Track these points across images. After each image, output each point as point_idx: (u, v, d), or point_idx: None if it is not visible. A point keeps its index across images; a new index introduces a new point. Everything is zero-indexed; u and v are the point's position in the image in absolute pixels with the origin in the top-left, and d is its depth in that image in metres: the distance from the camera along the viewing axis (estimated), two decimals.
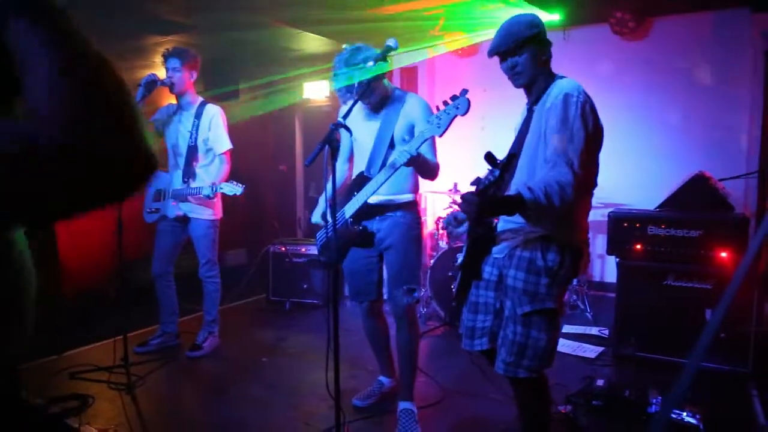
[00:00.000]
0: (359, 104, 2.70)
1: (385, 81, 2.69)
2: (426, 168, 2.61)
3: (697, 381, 2.83)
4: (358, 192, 2.65)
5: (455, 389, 3.19)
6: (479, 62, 5.58)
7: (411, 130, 2.65)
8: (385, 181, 2.51)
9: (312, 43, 5.93)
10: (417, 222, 2.83)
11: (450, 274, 4.16)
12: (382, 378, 3.13)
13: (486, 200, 1.75)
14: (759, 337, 3.21)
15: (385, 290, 2.94)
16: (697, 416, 2.62)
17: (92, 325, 3.54)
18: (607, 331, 4.04)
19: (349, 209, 2.68)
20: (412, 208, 2.82)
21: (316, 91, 6.53)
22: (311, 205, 6.67)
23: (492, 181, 1.76)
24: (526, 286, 1.97)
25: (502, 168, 1.74)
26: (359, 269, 2.85)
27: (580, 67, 3.87)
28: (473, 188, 1.81)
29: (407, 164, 2.40)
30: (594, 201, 2.23)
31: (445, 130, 2.24)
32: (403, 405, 2.81)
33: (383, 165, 2.62)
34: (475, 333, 2.18)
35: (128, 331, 3.28)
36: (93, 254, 4.86)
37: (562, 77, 2.06)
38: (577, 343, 3.90)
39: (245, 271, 5.18)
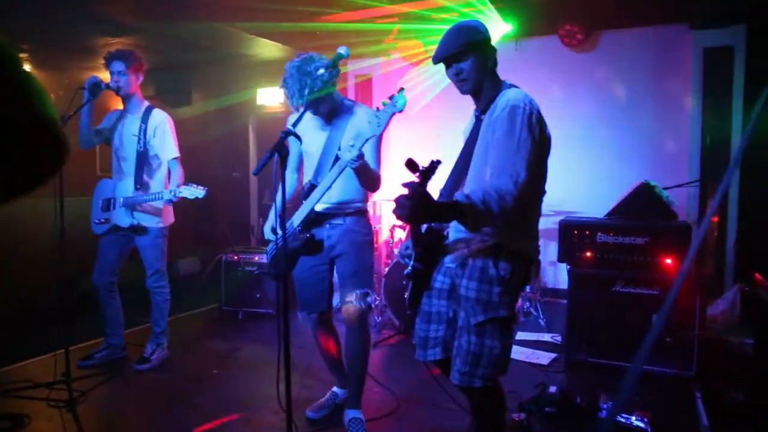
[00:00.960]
0: (309, 114, 2.69)
1: (335, 92, 2.67)
2: (368, 175, 2.58)
3: (644, 384, 2.90)
4: (305, 200, 2.64)
5: (410, 399, 3.17)
6: (433, 70, 5.63)
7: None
8: (331, 184, 2.51)
9: (266, 48, 5.87)
10: (368, 228, 2.83)
11: (403, 282, 4.15)
12: (336, 389, 3.09)
13: (419, 204, 1.71)
14: (702, 341, 3.33)
15: (336, 298, 2.90)
16: (645, 420, 2.69)
17: (31, 339, 3.36)
18: (559, 338, 4.11)
19: (297, 217, 2.68)
20: (363, 216, 2.81)
21: (270, 97, 6.45)
22: (265, 212, 6.57)
23: (417, 184, 1.72)
24: (479, 295, 1.96)
25: (422, 174, 1.72)
26: (308, 279, 2.81)
27: (530, 76, 3.95)
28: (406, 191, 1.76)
29: (353, 165, 2.38)
30: (545, 209, 2.26)
31: (385, 127, 2.28)
32: (351, 414, 2.78)
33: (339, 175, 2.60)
34: (428, 343, 2.16)
35: (70, 345, 3.13)
36: (32, 263, 4.62)
37: (510, 86, 2.06)
38: (530, 349, 3.95)
39: (198, 280, 5.04)
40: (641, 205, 3.66)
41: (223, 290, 4.91)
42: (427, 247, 2.12)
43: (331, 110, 2.68)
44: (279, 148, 2.11)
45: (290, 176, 2.95)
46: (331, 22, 4.86)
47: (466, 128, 2.24)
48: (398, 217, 1.75)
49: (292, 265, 2.78)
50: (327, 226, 2.75)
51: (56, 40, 5.37)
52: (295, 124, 2.35)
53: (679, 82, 4.99)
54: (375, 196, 2.96)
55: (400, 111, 2.21)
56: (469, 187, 2.02)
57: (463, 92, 2.09)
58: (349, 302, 2.70)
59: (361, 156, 2.38)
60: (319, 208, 2.68)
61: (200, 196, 3.43)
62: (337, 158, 2.60)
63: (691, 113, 4.90)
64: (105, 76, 3.57)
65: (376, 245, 3.12)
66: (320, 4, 4.57)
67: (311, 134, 2.74)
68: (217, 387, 3.41)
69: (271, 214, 2.83)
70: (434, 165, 1.74)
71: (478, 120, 2.10)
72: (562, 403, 2.92)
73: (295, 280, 2.85)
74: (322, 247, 2.74)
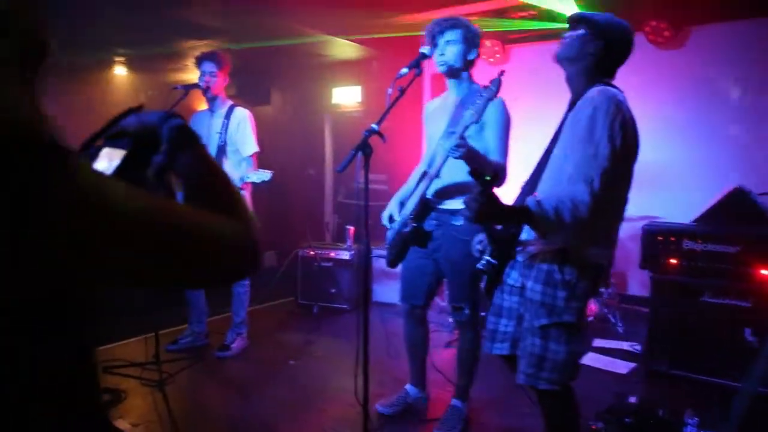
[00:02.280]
0: (443, 97, 2.72)
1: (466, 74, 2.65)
2: (477, 164, 2.36)
3: (752, 408, 2.74)
4: (418, 188, 2.64)
5: (482, 399, 3.15)
6: (510, 69, 5.54)
7: (478, 130, 2.53)
8: (436, 173, 2.46)
9: (342, 48, 5.98)
10: (476, 233, 2.69)
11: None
12: (409, 387, 3.06)
13: (485, 208, 1.71)
14: None
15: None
16: None
17: (126, 322, 3.61)
18: (639, 347, 3.96)
19: (409, 206, 2.67)
20: None
21: (346, 96, 6.57)
22: (340, 210, 6.70)
23: (480, 191, 1.72)
24: (544, 298, 1.93)
25: (484, 184, 1.70)
26: (411, 271, 2.81)
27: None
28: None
29: (456, 154, 2.26)
30: (627, 213, 2.18)
31: (480, 116, 2.21)
32: (454, 401, 2.84)
33: (443, 163, 2.47)
34: (497, 336, 2.16)
35: (160, 329, 3.34)
36: None
37: (603, 84, 1.95)
38: (608, 357, 3.83)
39: (274, 274, 5.22)
40: (733, 212, 3.46)
41: (299, 284, 5.05)
42: (500, 243, 2.10)
43: (463, 91, 2.65)
44: (363, 146, 2.17)
45: (421, 167, 2.91)
46: (411, 20, 4.89)
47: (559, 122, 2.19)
48: (466, 218, 1.77)
49: (404, 254, 2.75)
50: (434, 221, 2.68)
51: (148, 45, 5.70)
52: (402, 90, 2.35)
53: None
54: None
55: (494, 97, 2.18)
56: (543, 187, 1.98)
57: (556, 58, 2.02)
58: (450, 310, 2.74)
59: (461, 145, 2.25)
60: (429, 196, 2.63)
61: (266, 179, 3.51)
62: None
63: None
64: (192, 77, 3.77)
65: None
66: (400, 5, 4.61)
67: (437, 119, 2.71)
68: (293, 377, 3.53)
69: (392, 202, 2.83)
70: (497, 175, 1.75)
71: (566, 114, 2.02)
72: (642, 414, 2.81)
73: (401, 270, 2.87)
74: (427, 241, 2.69)
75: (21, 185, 0.57)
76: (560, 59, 2.02)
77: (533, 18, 5.05)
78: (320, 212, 6.92)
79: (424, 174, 2.63)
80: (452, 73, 2.62)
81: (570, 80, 2.03)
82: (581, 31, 1.96)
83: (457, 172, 2.48)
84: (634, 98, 1.98)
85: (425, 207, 2.63)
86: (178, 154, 0.87)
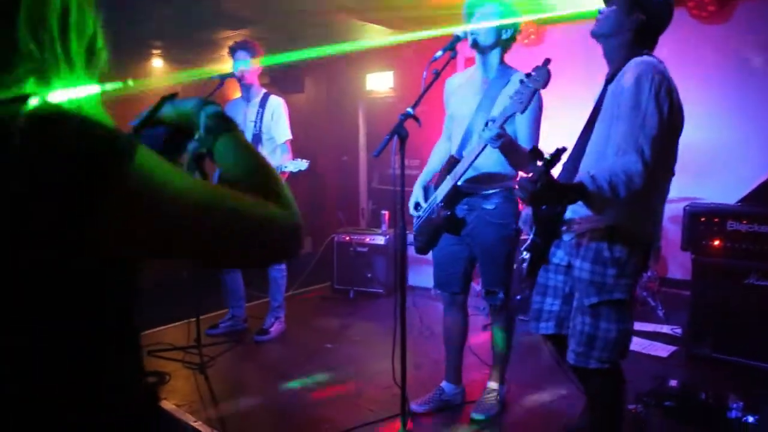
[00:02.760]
0: (467, 74, 2.66)
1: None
2: (518, 156, 2.34)
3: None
4: (448, 174, 2.57)
5: (518, 381, 3.14)
6: (545, 53, 5.44)
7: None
8: (472, 162, 2.39)
9: (375, 35, 5.96)
10: (510, 216, 2.59)
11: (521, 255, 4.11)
12: (444, 384, 2.93)
13: (542, 189, 1.68)
14: None
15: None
16: (756, 417, 2.49)
17: (167, 307, 3.73)
18: (680, 330, 3.88)
19: (440, 192, 2.61)
20: (507, 198, 2.59)
21: (379, 82, 6.56)
22: (374, 195, 6.73)
23: (543, 170, 1.69)
24: (593, 276, 1.92)
25: (546, 164, 1.68)
26: (444, 258, 2.77)
27: (658, 52, 3.71)
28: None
29: (496, 144, 2.20)
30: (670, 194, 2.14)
31: (526, 105, 2.11)
32: (490, 383, 2.84)
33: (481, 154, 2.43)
34: (542, 315, 2.16)
35: (200, 314, 3.44)
36: None
37: (644, 54, 1.91)
38: (647, 341, 3.77)
39: (310, 259, 5.29)
40: None
41: (335, 270, 5.11)
42: (545, 222, 2.07)
43: (493, 70, 2.57)
44: (399, 130, 2.17)
45: (443, 145, 2.84)
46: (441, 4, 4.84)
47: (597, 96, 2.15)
48: (520, 199, 1.75)
49: (435, 241, 2.71)
50: (465, 206, 2.62)
51: (183, 36, 5.80)
52: (437, 72, 2.33)
53: None
54: None
55: (543, 87, 2.07)
56: (588, 162, 1.95)
57: (593, 34, 1.98)
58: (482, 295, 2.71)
59: (501, 135, 2.17)
60: (461, 184, 2.56)
61: (303, 168, 3.60)
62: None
63: None
64: (226, 67, 3.83)
65: None
66: None
67: (463, 96, 2.64)
68: (330, 360, 3.59)
69: (416, 188, 2.78)
70: (559, 152, 1.71)
71: (604, 89, 1.99)
72: (683, 398, 2.77)
73: (433, 258, 2.83)
74: (462, 226, 2.63)
75: (99, 177, 0.63)
76: (596, 35, 1.98)
77: None
78: (355, 198, 6.96)
79: (454, 160, 2.56)
80: (483, 49, 2.53)
81: (608, 55, 1.99)
82: (615, 7, 1.92)
83: (489, 160, 2.45)
84: (675, 76, 1.93)
85: (457, 193, 2.59)
86: (216, 141, 0.89)
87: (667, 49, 2.06)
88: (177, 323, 4.03)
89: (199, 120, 0.90)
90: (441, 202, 2.60)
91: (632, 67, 1.84)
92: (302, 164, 3.60)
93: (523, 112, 2.15)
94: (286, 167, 3.61)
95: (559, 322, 2.12)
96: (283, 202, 0.82)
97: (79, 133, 0.64)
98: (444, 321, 2.91)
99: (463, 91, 2.67)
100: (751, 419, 2.53)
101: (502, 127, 2.17)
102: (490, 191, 2.59)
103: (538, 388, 3.08)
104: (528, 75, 2.09)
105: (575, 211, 1.97)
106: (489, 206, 2.58)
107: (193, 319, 3.40)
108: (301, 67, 7.10)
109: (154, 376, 3.00)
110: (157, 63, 6.99)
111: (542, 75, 2.04)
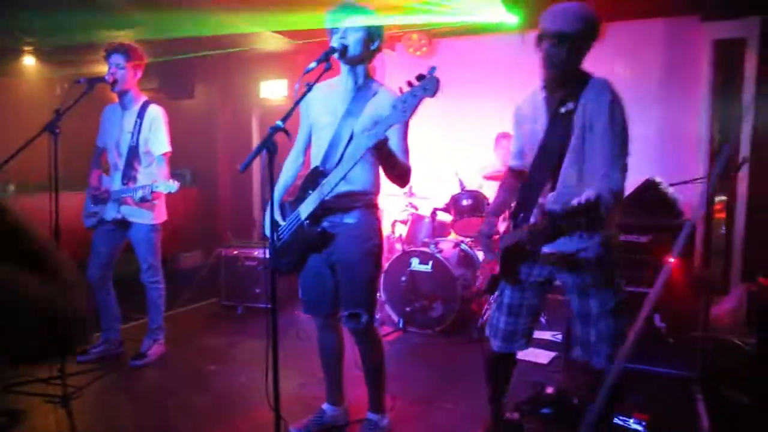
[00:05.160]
0: (328, 84, 2.51)
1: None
2: (395, 166, 2.31)
3: (643, 385, 2.83)
4: (313, 189, 2.40)
5: (407, 397, 3.13)
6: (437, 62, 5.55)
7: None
8: (346, 174, 2.27)
9: (269, 41, 5.82)
10: (373, 231, 2.51)
11: (404, 277, 4.11)
12: (325, 406, 2.82)
13: (551, 238, 1.95)
14: (705, 341, 3.26)
15: None
16: (643, 423, 2.63)
17: None
18: (560, 336, 4.05)
19: (305, 209, 2.44)
20: (370, 214, 2.51)
21: (274, 90, 6.41)
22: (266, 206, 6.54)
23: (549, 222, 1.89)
24: (606, 284, 2.14)
25: (552, 219, 1.87)
26: (311, 280, 2.59)
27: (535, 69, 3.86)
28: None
29: (374, 150, 2.14)
30: None
31: (412, 114, 2.04)
32: (369, 415, 2.71)
33: (341, 159, 2.37)
34: (516, 335, 2.32)
35: None
36: None
37: (594, 76, 2.13)
38: (529, 348, 3.88)
39: (199, 274, 5.03)
40: (646, 203, 3.57)
41: (223, 285, 4.89)
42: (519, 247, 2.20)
43: (359, 81, 2.47)
44: (267, 144, 2.06)
45: (296, 158, 2.70)
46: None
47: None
48: (532, 246, 2.03)
49: (303, 261, 2.55)
50: (326, 223, 2.47)
51: (61, 34, 5.36)
52: (308, 86, 2.22)
53: (689, 76, 4.88)
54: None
55: (432, 96, 1.99)
56: (569, 178, 2.10)
57: (551, 74, 2.12)
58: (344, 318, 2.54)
59: (384, 141, 2.12)
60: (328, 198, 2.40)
61: (173, 191, 3.40)
62: (351, 139, 2.38)
63: (701, 107, 4.79)
64: (104, 69, 3.55)
65: None
66: None
67: (326, 105, 2.50)
68: (212, 383, 3.40)
69: (271, 205, 2.56)
70: (554, 218, 1.88)
71: (558, 110, 2.11)
72: (559, 404, 2.87)
73: (300, 279, 2.64)
74: (323, 245, 2.49)
75: None
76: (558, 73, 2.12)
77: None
78: (248, 209, 6.74)
79: (318, 172, 2.44)
80: (350, 60, 2.42)
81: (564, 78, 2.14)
82: (581, 44, 2.10)
83: (354, 173, 2.35)
84: None
85: (321, 209, 2.43)
86: None
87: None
88: None
89: None
90: (307, 219, 2.45)
91: (600, 89, 2.06)
92: (173, 186, 3.38)
93: (407, 120, 2.13)
94: (157, 187, 3.38)
95: (528, 338, 2.35)
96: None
97: None
98: (318, 342, 2.76)
99: (326, 101, 2.52)
100: (639, 426, 2.64)
101: (384, 135, 2.12)
102: (351, 206, 2.47)
103: (425, 403, 3.07)
104: (411, 84, 2.02)
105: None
106: (350, 220, 2.47)
107: None
108: (192, 72, 6.80)
109: (6, 416, 2.66)
110: (29, 61, 6.42)
111: (432, 84, 1.98)
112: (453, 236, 4.77)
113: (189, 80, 6.87)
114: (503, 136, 5.18)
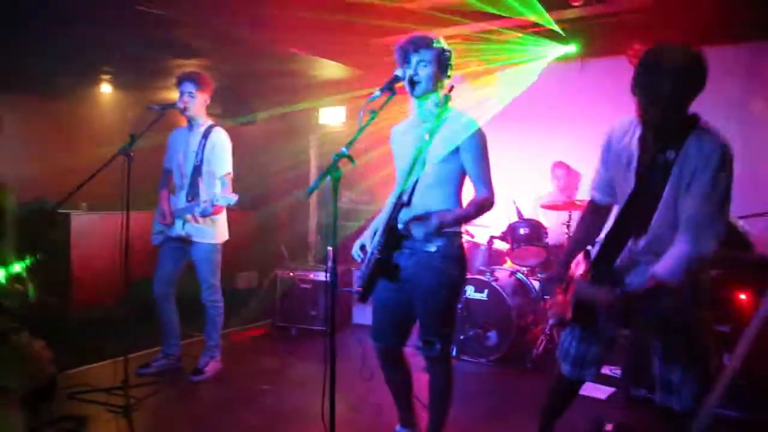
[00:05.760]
0: (409, 119, 2.59)
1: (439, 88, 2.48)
2: (467, 219, 2.43)
3: (719, 429, 2.67)
4: (396, 220, 2.38)
5: (460, 427, 3.05)
6: (497, 92, 5.55)
7: (451, 152, 2.38)
8: (408, 201, 2.30)
9: (328, 69, 5.98)
10: (456, 261, 2.44)
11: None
12: (399, 429, 2.78)
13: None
14: None
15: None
16: None
17: (98, 345, 3.52)
18: (618, 371, 3.89)
19: (377, 237, 2.45)
20: (452, 243, 2.43)
21: (332, 116, 6.56)
22: (323, 231, 6.64)
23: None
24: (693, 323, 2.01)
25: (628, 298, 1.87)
26: (378, 306, 2.57)
27: (596, 98, 3.82)
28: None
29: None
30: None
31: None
32: None
33: (413, 189, 2.33)
34: (586, 363, 2.25)
35: (130, 352, 3.26)
36: (103, 274, 4.86)
37: (700, 123, 1.93)
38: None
39: (254, 295, 5.14)
40: None
41: (278, 306, 4.97)
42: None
43: (430, 109, 2.48)
44: (331, 170, 2.12)
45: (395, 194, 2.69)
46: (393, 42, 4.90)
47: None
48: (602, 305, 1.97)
49: (372, 286, 2.43)
50: (407, 250, 2.41)
51: (134, 63, 5.69)
52: (374, 112, 2.30)
53: (766, 103, 4.68)
54: None
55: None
56: (657, 230, 1.97)
57: (652, 123, 1.93)
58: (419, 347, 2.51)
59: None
60: (399, 225, 2.39)
61: (232, 203, 3.52)
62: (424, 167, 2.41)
63: None
64: (176, 95, 3.74)
65: None
66: (383, 25, 4.62)
67: (403, 142, 2.54)
68: (266, 402, 3.45)
69: (367, 230, 2.63)
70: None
71: (656, 156, 1.95)
72: None
73: (372, 304, 2.61)
74: (398, 275, 2.39)
75: None
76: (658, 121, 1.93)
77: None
78: (304, 233, 6.86)
79: (396, 202, 2.41)
80: (422, 94, 2.44)
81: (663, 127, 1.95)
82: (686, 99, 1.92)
83: (428, 198, 2.39)
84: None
85: (395, 237, 2.38)
86: None
87: (607, 95, 2.10)
88: (104, 362, 3.80)
89: None
90: (377, 246, 2.41)
91: (709, 140, 1.87)
92: (231, 199, 3.51)
93: (429, 141, 2.21)
94: (217, 200, 3.52)
95: (598, 369, 2.28)
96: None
97: None
98: (383, 374, 2.71)
99: (403, 138, 2.57)
100: None
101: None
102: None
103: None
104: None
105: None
106: (431, 248, 2.40)
107: (121, 358, 3.21)
108: (253, 98, 7.06)
109: (70, 421, 2.80)
110: (105, 89, 6.82)
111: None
112: (509, 265, 4.72)
113: (250, 107, 7.14)
114: (558, 165, 5.11)
